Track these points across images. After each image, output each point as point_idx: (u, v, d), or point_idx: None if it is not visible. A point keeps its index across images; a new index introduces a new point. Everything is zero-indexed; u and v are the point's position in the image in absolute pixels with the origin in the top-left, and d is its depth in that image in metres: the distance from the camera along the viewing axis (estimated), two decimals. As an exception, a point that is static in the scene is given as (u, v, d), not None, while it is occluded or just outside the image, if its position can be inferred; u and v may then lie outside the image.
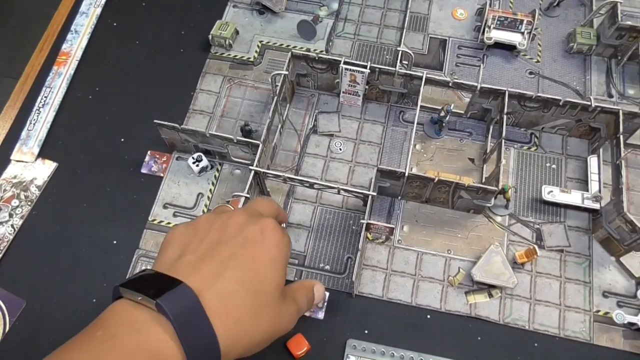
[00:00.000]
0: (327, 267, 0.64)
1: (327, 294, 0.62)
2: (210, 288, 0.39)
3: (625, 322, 0.60)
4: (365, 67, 0.67)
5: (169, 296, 0.37)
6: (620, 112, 0.64)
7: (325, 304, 0.62)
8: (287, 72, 0.68)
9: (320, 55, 0.69)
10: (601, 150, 0.68)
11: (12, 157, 0.72)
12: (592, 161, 0.68)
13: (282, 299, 0.45)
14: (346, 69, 0.68)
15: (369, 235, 0.65)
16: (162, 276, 0.40)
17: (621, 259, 0.64)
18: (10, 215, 0.68)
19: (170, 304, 0.36)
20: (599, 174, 0.67)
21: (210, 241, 0.44)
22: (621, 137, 0.64)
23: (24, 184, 0.70)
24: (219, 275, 0.41)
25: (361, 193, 0.61)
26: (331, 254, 0.65)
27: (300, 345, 0.59)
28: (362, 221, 0.59)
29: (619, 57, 0.76)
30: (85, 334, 0.37)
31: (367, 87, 0.71)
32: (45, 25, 0.83)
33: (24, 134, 0.73)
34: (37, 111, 0.75)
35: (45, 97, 0.76)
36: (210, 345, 0.37)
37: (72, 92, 0.77)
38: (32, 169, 0.71)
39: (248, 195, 0.60)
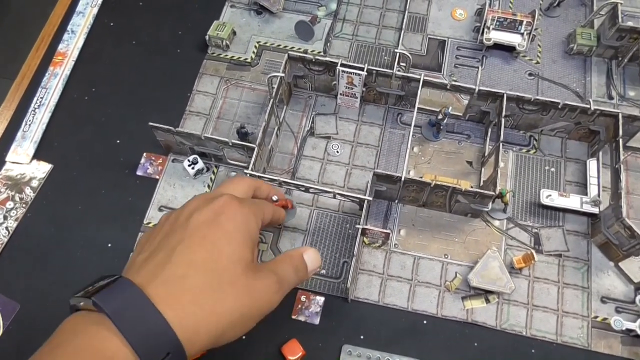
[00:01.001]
0: (323, 271, 0.64)
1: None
2: (157, 277, 0.37)
3: (624, 328, 0.59)
4: (362, 69, 0.67)
5: (104, 293, 0.36)
6: (620, 115, 0.63)
7: (321, 309, 0.62)
8: (283, 74, 0.67)
9: (317, 57, 0.68)
10: (601, 153, 0.67)
11: (7, 159, 0.71)
12: (592, 164, 0.67)
13: (251, 273, 0.41)
14: (343, 71, 0.67)
15: (365, 239, 0.65)
16: (107, 278, 0.39)
17: (620, 264, 0.63)
18: (5, 217, 0.67)
19: (105, 298, 0.35)
20: (598, 177, 0.66)
21: (162, 234, 0.42)
22: (620, 140, 0.63)
23: (19, 185, 0.70)
24: (166, 263, 0.39)
25: (357, 198, 0.61)
26: (327, 258, 0.65)
27: (295, 351, 0.59)
28: (357, 226, 0.59)
29: (620, 59, 0.75)
30: (35, 354, 0.36)
31: (364, 89, 0.70)
32: (41, 25, 0.83)
33: (19, 135, 0.73)
34: (32, 112, 0.75)
35: (41, 97, 0.76)
36: (164, 333, 0.35)
37: (68, 93, 0.77)
38: (27, 170, 0.71)
39: (243, 199, 0.60)
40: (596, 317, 0.61)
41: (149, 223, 0.67)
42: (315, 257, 0.49)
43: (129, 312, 0.35)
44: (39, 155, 0.72)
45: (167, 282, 0.37)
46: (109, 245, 0.66)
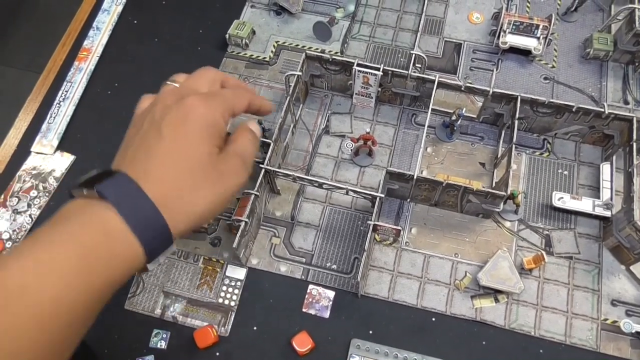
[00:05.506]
0: (334, 266, 0.65)
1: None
2: (146, 174, 0.44)
3: (633, 331, 0.59)
4: (378, 69, 0.68)
5: (106, 183, 0.42)
6: (635, 119, 0.63)
7: (331, 303, 0.63)
8: (300, 73, 0.69)
9: (333, 57, 0.69)
10: (614, 157, 0.68)
11: (32, 149, 0.74)
12: (605, 168, 0.67)
13: (219, 164, 0.47)
14: (359, 70, 0.68)
15: (376, 236, 0.65)
16: (103, 172, 0.44)
17: (631, 267, 0.63)
18: (29, 206, 0.70)
19: (108, 188, 0.41)
20: (612, 181, 0.66)
21: (143, 132, 0.48)
22: (634, 144, 0.63)
23: (43, 175, 0.72)
24: (149, 162, 0.45)
25: (369, 194, 0.62)
26: (338, 254, 0.66)
27: (304, 343, 0.60)
28: (369, 222, 0.60)
29: (637, 64, 0.75)
30: (44, 225, 0.41)
31: (379, 89, 0.71)
32: (68, 21, 0.86)
33: (44, 126, 0.75)
34: (57, 105, 0.77)
35: (65, 91, 0.78)
36: (156, 219, 0.42)
37: (91, 87, 0.79)
38: (50, 160, 0.73)
39: (257, 193, 0.61)
40: (606, 319, 0.61)
41: (166, 215, 0.69)
42: (255, 124, 0.54)
43: (128, 200, 0.42)
44: (62, 146, 0.74)
45: (154, 180, 0.44)
46: (127, 235, 0.68)
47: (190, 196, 0.45)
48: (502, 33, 0.76)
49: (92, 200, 0.42)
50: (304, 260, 0.66)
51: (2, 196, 0.70)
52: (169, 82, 0.54)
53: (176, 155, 0.46)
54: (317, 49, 0.80)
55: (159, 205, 0.42)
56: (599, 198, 0.66)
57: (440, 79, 0.68)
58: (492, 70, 0.76)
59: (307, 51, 0.70)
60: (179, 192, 0.45)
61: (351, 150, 0.72)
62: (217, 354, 0.61)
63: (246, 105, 0.54)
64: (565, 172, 0.69)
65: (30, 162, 0.73)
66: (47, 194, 0.70)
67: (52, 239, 0.40)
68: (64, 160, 0.73)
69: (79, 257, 0.39)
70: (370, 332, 0.62)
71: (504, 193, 0.60)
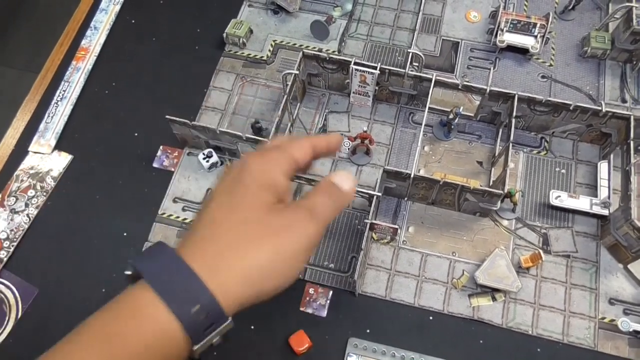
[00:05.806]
0: (332, 265, 0.65)
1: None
2: (187, 240, 0.38)
3: (631, 330, 0.59)
4: (375, 68, 0.68)
5: (142, 256, 0.37)
6: (632, 117, 0.63)
7: (329, 302, 0.63)
8: (297, 72, 0.69)
9: (331, 56, 0.69)
10: (612, 156, 0.68)
11: (30, 149, 0.74)
12: (602, 167, 0.67)
13: (275, 213, 0.40)
14: (356, 69, 0.68)
15: (374, 235, 0.65)
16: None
17: (629, 266, 0.63)
18: (26, 205, 0.70)
19: (143, 261, 0.36)
20: (609, 179, 0.66)
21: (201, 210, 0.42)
22: (632, 142, 0.63)
23: (40, 174, 0.72)
24: (195, 227, 0.39)
25: (366, 193, 0.62)
26: (336, 253, 0.66)
27: (302, 342, 0.60)
28: (365, 221, 0.60)
29: (634, 62, 0.75)
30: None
31: (377, 88, 0.71)
32: (66, 21, 0.86)
33: (42, 126, 0.75)
34: (55, 104, 0.77)
35: (63, 91, 0.78)
36: (200, 293, 0.35)
37: (89, 87, 0.79)
38: (48, 160, 0.73)
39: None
40: (603, 318, 0.61)
41: (163, 214, 0.69)
42: (346, 176, 0.45)
43: (166, 274, 0.36)
44: (60, 146, 0.74)
45: (196, 241, 0.38)
46: (125, 234, 0.68)
47: (243, 251, 0.37)
48: (499, 31, 0.76)
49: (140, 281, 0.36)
50: (301, 259, 0.65)
51: (0, 196, 0.70)
52: None
53: (224, 211, 0.39)
54: (314, 47, 0.80)
55: (202, 270, 0.35)
56: (596, 196, 0.66)
57: (438, 78, 0.67)
58: (490, 69, 0.76)
59: (305, 50, 0.70)
60: (227, 248, 0.37)
61: (348, 149, 0.72)
62: (215, 353, 0.61)
63: (309, 151, 0.45)
64: (563, 171, 0.69)
65: (27, 162, 0.73)
66: (44, 194, 0.70)
67: (83, 325, 0.36)
68: (62, 160, 0.73)
69: (103, 350, 0.34)
70: (368, 330, 0.62)
71: (501, 191, 0.60)
